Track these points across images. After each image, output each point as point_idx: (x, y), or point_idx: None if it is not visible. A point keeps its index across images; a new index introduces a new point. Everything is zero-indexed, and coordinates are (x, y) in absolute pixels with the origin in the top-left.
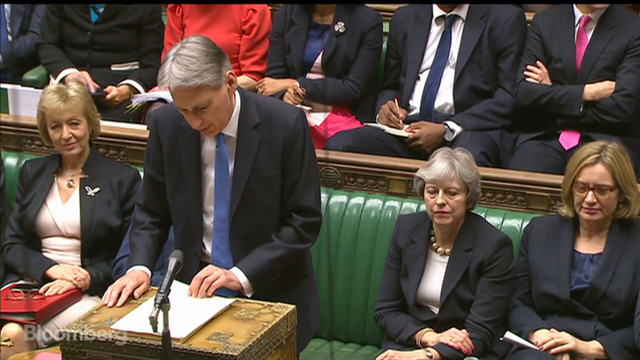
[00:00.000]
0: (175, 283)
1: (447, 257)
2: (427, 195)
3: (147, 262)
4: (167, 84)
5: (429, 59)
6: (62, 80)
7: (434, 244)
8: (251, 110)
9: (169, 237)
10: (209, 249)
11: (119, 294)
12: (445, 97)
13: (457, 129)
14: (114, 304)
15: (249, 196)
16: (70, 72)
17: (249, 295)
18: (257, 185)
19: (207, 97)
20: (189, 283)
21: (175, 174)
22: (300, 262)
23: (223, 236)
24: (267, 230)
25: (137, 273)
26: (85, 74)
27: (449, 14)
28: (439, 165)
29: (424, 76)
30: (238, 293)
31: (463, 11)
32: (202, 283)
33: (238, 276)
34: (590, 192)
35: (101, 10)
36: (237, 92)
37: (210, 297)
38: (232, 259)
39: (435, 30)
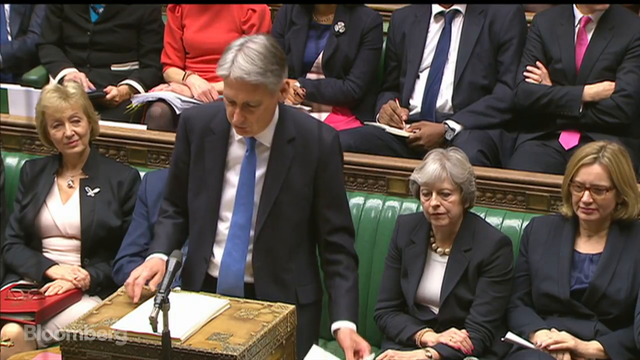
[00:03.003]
0: (181, 293)
1: (447, 257)
2: (422, 197)
3: (165, 250)
4: (226, 71)
5: (428, 57)
6: (61, 80)
7: (434, 244)
8: (288, 124)
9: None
10: (217, 256)
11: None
12: (446, 94)
13: (458, 127)
14: (139, 299)
15: (277, 210)
16: (69, 72)
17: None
18: (287, 199)
19: (260, 97)
20: (194, 289)
21: (198, 176)
22: (317, 284)
23: (238, 243)
24: (290, 245)
25: (154, 261)
26: (81, 75)
27: (448, 10)
28: (429, 168)
29: (424, 75)
30: None
31: (462, 6)
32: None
33: (351, 327)
34: (587, 192)
35: (101, 10)
36: None
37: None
38: (244, 267)
39: (435, 28)
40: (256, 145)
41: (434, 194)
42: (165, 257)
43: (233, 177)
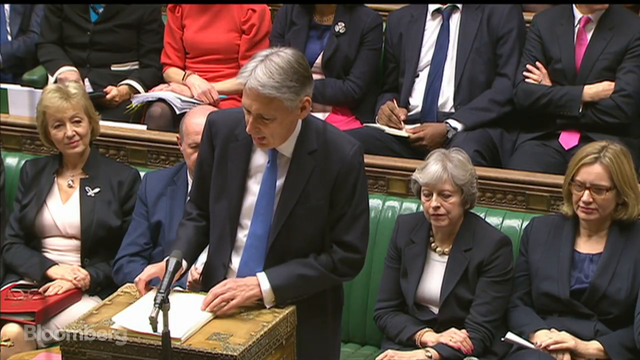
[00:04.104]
0: (181, 293)
1: (447, 257)
2: (423, 197)
3: (183, 253)
4: (244, 79)
5: (427, 55)
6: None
7: (433, 244)
8: (310, 135)
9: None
10: (235, 263)
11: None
12: (447, 91)
13: (459, 126)
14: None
15: (293, 222)
16: (67, 70)
17: (268, 307)
18: (303, 212)
19: (274, 112)
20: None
21: (220, 182)
22: (334, 293)
23: (255, 253)
24: (303, 256)
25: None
26: (76, 73)
27: (445, 7)
28: (431, 169)
29: (423, 74)
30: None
31: (459, 2)
32: (216, 298)
33: (261, 283)
34: (587, 192)
35: (101, 10)
36: None
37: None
38: None
39: (432, 25)
40: (278, 157)
41: (434, 195)
42: (183, 261)
43: (254, 186)
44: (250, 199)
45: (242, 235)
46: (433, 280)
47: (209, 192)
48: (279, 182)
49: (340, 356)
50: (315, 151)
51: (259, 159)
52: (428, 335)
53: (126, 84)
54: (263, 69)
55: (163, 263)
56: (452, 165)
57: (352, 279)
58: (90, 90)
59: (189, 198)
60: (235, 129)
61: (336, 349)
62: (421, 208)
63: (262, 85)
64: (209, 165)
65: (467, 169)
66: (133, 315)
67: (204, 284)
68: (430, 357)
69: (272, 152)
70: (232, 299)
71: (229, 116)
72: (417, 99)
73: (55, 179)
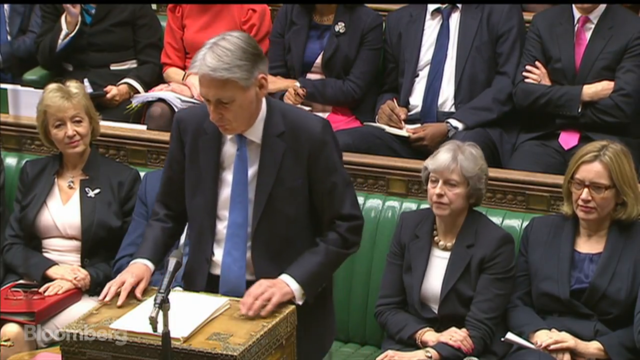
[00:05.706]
0: (181, 293)
1: (449, 253)
2: (429, 184)
3: (150, 256)
4: (196, 69)
5: (426, 54)
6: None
7: (436, 238)
8: (276, 118)
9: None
10: (218, 256)
11: (117, 291)
12: (447, 90)
13: (460, 126)
14: (111, 299)
15: (272, 205)
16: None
17: (300, 303)
18: (281, 194)
19: (231, 93)
20: (197, 290)
21: (194, 177)
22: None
23: (238, 242)
24: (290, 241)
25: (137, 267)
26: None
27: (445, 6)
28: (442, 157)
29: (423, 73)
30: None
31: (459, 2)
32: (255, 300)
33: (289, 284)
34: (586, 190)
35: (93, 11)
36: (263, 99)
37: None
38: (245, 266)
39: (431, 25)
40: (247, 143)
41: (440, 182)
42: (149, 263)
43: (228, 176)
44: (226, 190)
45: (222, 227)
46: (435, 276)
47: (179, 191)
48: (254, 169)
49: (340, 356)
50: (283, 133)
51: (230, 149)
52: (428, 335)
53: (125, 83)
54: (211, 54)
55: (135, 268)
56: (464, 157)
57: (358, 249)
58: (90, 90)
59: (156, 199)
60: (203, 122)
61: (331, 330)
62: (422, 207)
63: (213, 70)
64: (178, 163)
65: (478, 163)
66: (132, 319)
67: (186, 282)
68: (430, 357)
69: (240, 140)
70: (271, 297)
71: (196, 111)
72: (417, 99)
73: (56, 179)
